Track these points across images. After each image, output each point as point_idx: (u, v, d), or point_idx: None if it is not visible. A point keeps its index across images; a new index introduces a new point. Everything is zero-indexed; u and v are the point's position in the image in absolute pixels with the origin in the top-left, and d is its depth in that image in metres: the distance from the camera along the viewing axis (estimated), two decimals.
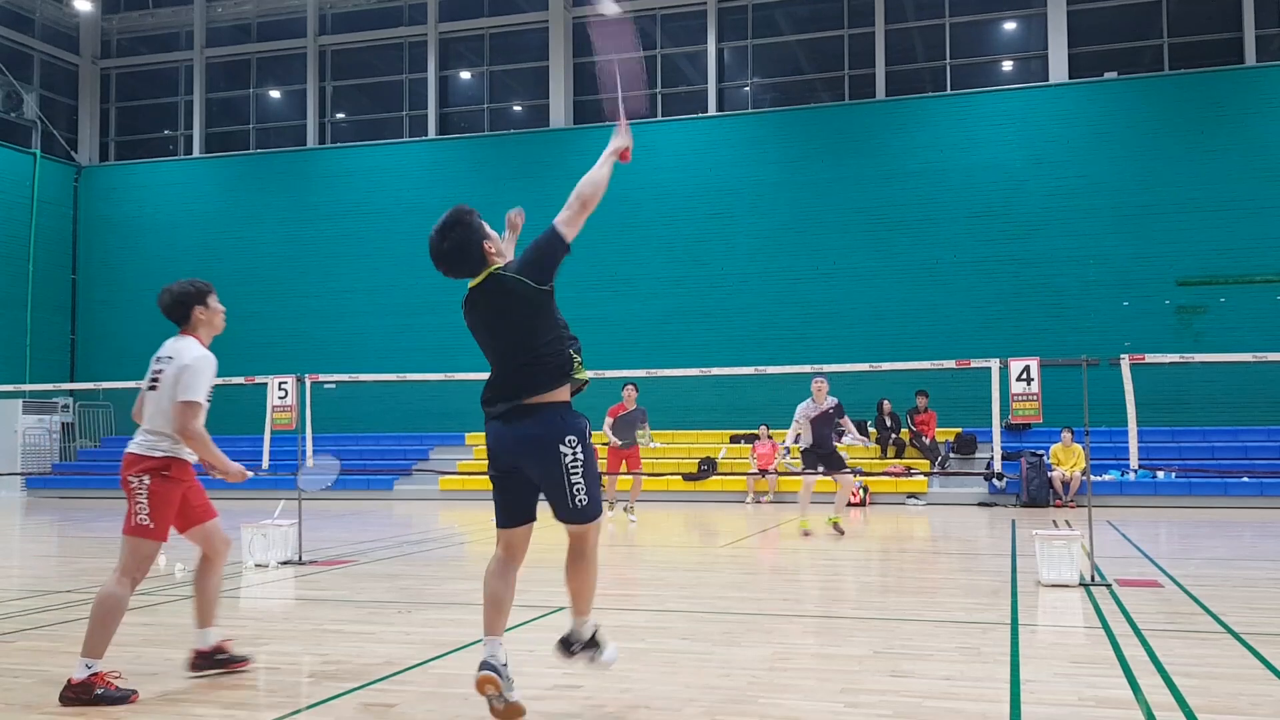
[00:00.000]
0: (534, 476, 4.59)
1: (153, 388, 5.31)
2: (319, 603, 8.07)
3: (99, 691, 4.87)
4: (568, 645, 4.89)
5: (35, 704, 4.99)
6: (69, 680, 4.92)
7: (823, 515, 13.19)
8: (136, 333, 25.69)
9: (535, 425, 4.52)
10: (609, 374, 15.03)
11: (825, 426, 12.86)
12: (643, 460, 20.49)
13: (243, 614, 7.81)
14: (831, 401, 12.92)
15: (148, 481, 5.17)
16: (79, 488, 23.03)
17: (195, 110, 26.57)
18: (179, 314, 5.49)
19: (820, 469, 12.89)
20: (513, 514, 4.68)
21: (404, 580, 9.19)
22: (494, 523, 4.75)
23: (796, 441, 13.11)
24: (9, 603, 8.19)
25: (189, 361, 5.28)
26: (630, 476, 15.23)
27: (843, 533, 12.66)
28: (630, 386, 15.03)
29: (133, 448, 5.26)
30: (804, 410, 12.95)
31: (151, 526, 5.15)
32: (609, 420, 15.01)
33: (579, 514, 4.58)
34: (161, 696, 5.13)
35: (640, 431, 14.93)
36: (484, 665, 4.45)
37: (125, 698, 4.93)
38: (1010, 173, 21.07)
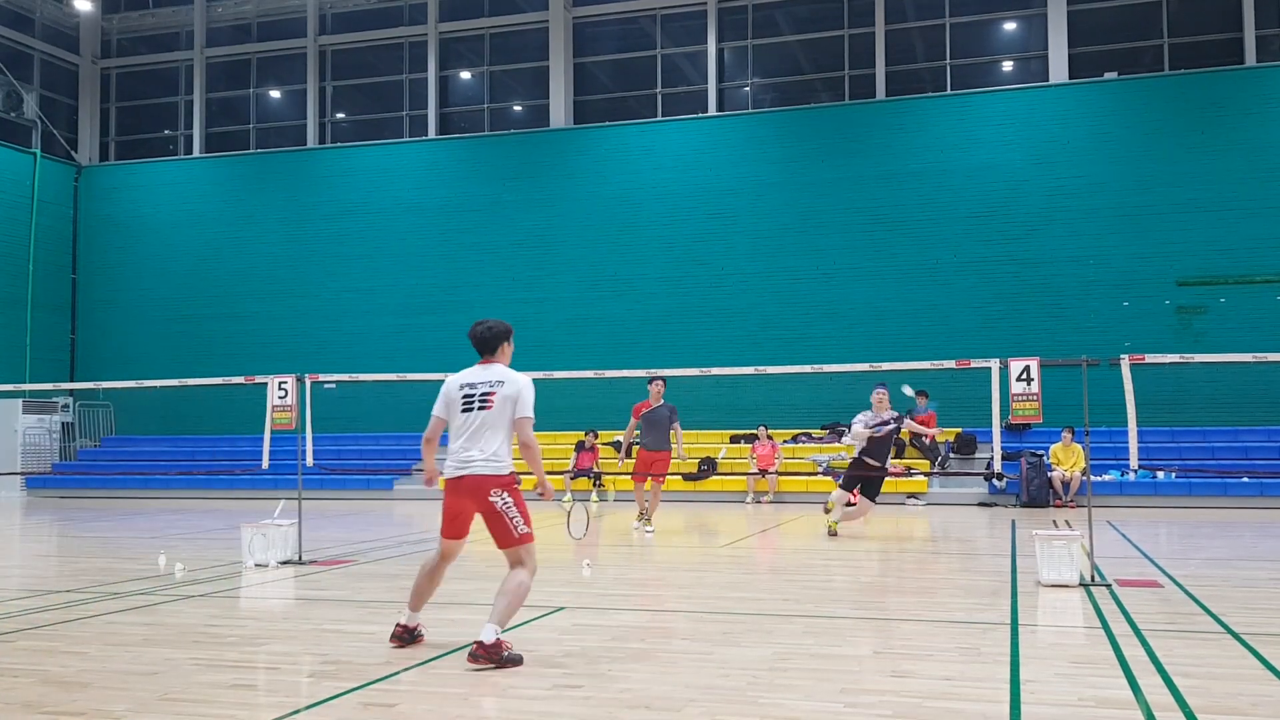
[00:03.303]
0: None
1: (484, 407, 5.98)
2: (319, 602, 8.07)
3: (505, 654, 5.65)
4: None
5: (35, 703, 4.99)
6: (480, 642, 5.60)
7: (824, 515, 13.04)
8: (137, 332, 25.72)
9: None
10: (609, 373, 15.03)
11: (880, 439, 12.33)
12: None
13: (243, 613, 7.81)
14: (890, 414, 12.42)
15: (508, 496, 5.92)
16: (79, 487, 23.03)
17: (195, 110, 26.57)
18: (497, 346, 6.20)
19: (858, 489, 12.38)
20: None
21: (404, 580, 9.19)
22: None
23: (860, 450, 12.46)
24: (9, 603, 8.19)
25: (524, 383, 6.05)
26: (651, 480, 13.56)
27: (835, 535, 12.40)
28: (658, 381, 13.48)
29: (483, 469, 5.91)
30: (864, 419, 12.44)
31: (528, 531, 5.94)
32: (633, 420, 13.52)
33: None
34: (162, 696, 5.13)
35: (671, 432, 13.36)
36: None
37: (519, 660, 5.70)
38: (1010, 173, 21.06)
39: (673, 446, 13.46)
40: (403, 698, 5.08)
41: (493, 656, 5.59)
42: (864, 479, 12.46)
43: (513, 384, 6.01)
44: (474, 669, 5.55)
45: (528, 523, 5.92)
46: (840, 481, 12.83)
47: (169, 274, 25.75)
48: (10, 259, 24.80)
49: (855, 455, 12.57)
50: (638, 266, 22.76)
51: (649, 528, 13.30)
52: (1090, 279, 20.44)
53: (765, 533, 13.84)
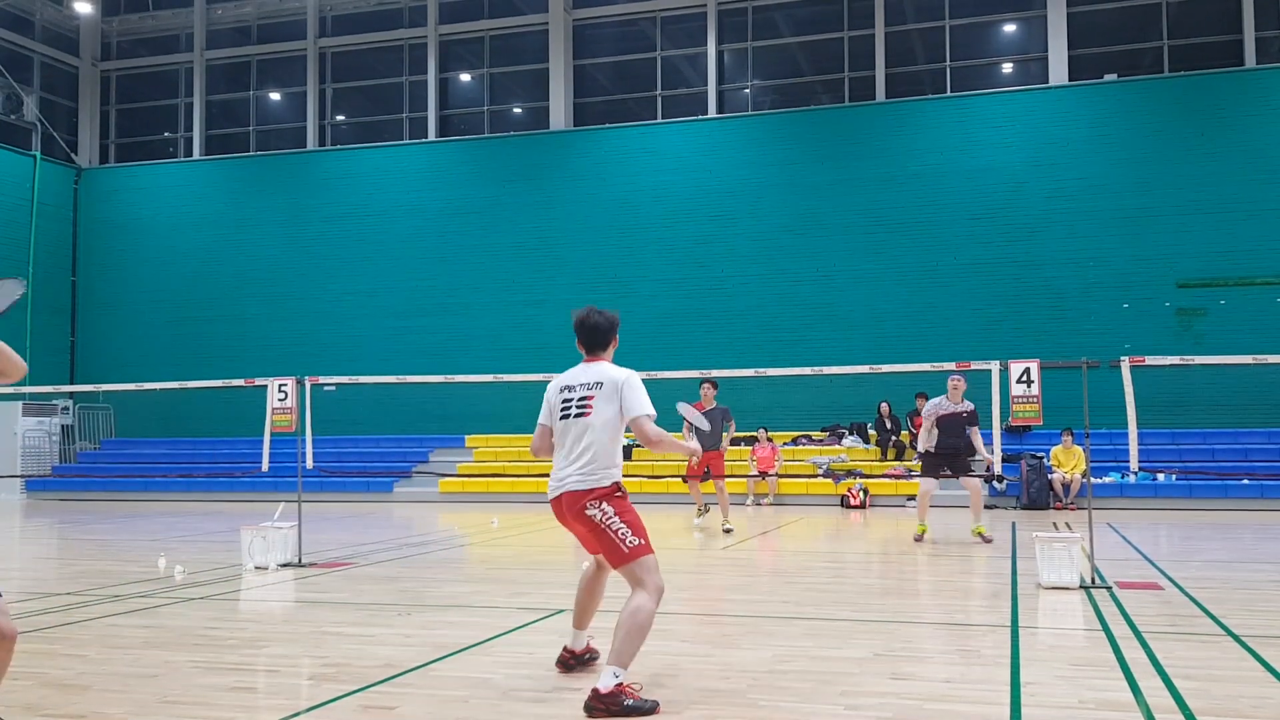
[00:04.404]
0: None
1: (581, 414, 5.20)
2: (319, 605, 8.06)
3: (628, 702, 4.76)
4: None
5: (35, 706, 4.99)
6: (595, 690, 4.78)
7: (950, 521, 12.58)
8: (136, 335, 25.72)
9: None
10: None
11: (956, 429, 11.87)
12: (648, 462, 20.56)
13: (243, 616, 7.81)
14: (967, 406, 11.86)
15: (609, 508, 5.10)
16: (79, 490, 23.03)
17: (195, 112, 26.58)
18: (608, 341, 5.41)
19: (946, 471, 12.09)
20: None
21: (404, 583, 9.19)
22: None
23: (928, 448, 12.13)
24: (9, 605, 8.18)
25: (624, 379, 5.21)
26: (714, 480, 13.95)
27: (990, 540, 11.88)
28: (708, 384, 13.74)
29: (576, 485, 5.13)
30: (934, 407, 11.98)
31: (641, 543, 5.09)
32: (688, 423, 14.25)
33: None
34: (162, 699, 5.13)
35: (725, 432, 13.87)
36: None
37: (652, 709, 4.79)
38: (1010, 175, 21.07)
39: (722, 440, 13.87)
40: (402, 700, 5.08)
41: (611, 708, 4.72)
42: (945, 460, 12.01)
43: (611, 383, 5.18)
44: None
45: (639, 533, 5.08)
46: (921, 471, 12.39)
47: (169, 276, 25.75)
48: (10, 262, 24.78)
49: (925, 450, 12.19)
50: (638, 269, 22.76)
51: (728, 525, 13.69)
52: (1090, 281, 20.45)
53: (765, 535, 13.84)
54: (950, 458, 12.02)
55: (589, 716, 4.75)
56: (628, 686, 4.83)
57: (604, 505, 5.08)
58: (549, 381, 5.54)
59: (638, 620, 4.91)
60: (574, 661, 5.57)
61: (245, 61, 26.71)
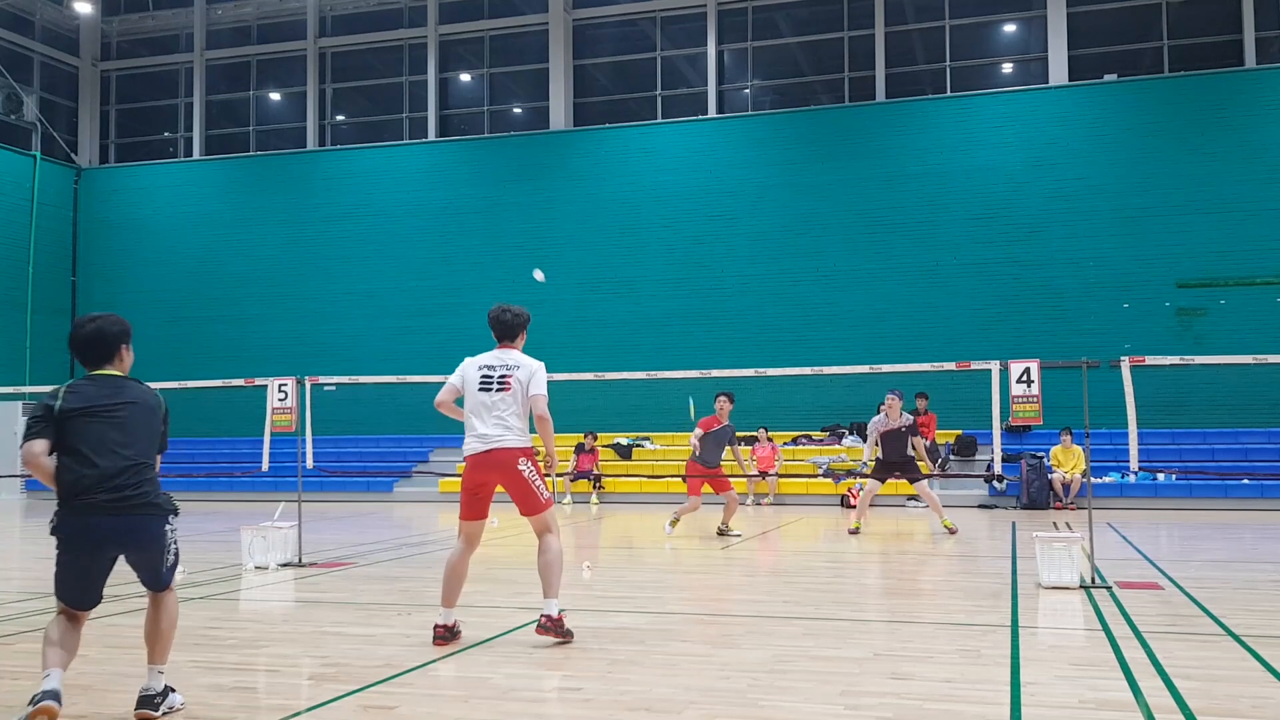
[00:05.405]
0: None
1: (502, 388, 6.40)
2: (319, 605, 8.07)
3: (565, 625, 6.24)
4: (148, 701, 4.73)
5: None
6: (547, 615, 6.19)
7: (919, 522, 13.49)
8: (136, 335, 25.56)
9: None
10: (609, 376, 15.03)
11: (898, 443, 13.09)
12: (648, 462, 20.55)
13: (243, 616, 7.81)
14: (905, 420, 13.13)
15: (531, 466, 6.37)
16: None
17: (195, 112, 26.58)
18: (517, 333, 6.67)
19: (896, 474, 13.32)
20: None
21: (404, 582, 9.19)
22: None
23: (875, 461, 13.50)
24: (9, 604, 8.19)
25: (537, 366, 6.49)
26: (719, 494, 13.42)
27: (955, 531, 12.98)
28: (724, 397, 13.12)
29: (509, 443, 6.31)
30: (876, 425, 13.26)
31: (550, 496, 6.49)
32: (698, 432, 13.03)
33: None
34: None
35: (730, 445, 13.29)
36: None
37: (570, 633, 6.25)
38: (1010, 175, 21.07)
39: (735, 461, 13.99)
40: (402, 700, 5.08)
41: (558, 627, 6.17)
42: (895, 466, 13.27)
43: (526, 368, 6.46)
44: (546, 640, 6.20)
45: (547, 490, 6.42)
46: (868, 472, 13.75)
47: (169, 276, 25.75)
48: (10, 261, 24.79)
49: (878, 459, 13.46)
50: (638, 269, 22.76)
51: (735, 532, 13.28)
52: (1090, 281, 20.44)
53: (765, 534, 13.84)
54: (899, 465, 13.26)
55: (543, 634, 6.18)
56: (562, 613, 6.30)
57: (529, 463, 6.36)
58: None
59: (557, 558, 6.35)
60: (448, 635, 6.33)
61: (245, 61, 26.70)
